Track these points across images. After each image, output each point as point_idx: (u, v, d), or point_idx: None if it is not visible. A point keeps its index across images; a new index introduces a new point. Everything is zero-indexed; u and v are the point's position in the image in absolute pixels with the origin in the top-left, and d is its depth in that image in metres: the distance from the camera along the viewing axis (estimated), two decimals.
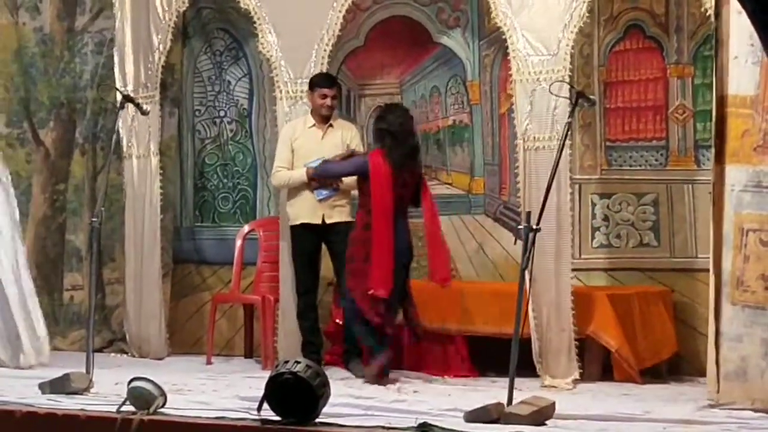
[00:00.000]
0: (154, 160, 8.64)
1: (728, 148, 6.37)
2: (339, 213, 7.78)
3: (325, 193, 7.75)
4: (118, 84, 8.63)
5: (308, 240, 7.81)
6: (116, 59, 8.75)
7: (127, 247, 8.71)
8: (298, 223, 7.82)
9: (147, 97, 8.59)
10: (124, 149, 8.69)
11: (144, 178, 8.64)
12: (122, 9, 8.72)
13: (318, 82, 7.84)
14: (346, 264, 7.37)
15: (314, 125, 7.87)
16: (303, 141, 7.85)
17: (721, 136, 6.43)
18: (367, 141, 8.42)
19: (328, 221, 7.76)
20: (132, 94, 8.43)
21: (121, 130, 8.61)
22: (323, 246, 7.89)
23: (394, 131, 7.31)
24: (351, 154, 7.62)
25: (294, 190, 7.84)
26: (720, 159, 6.43)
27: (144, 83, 8.65)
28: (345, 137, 7.83)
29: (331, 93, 7.80)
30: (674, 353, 7.67)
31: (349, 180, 7.69)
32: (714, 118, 6.50)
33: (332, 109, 7.87)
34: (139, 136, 8.65)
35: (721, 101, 6.43)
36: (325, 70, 8.07)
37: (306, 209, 7.79)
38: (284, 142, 7.92)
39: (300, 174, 7.76)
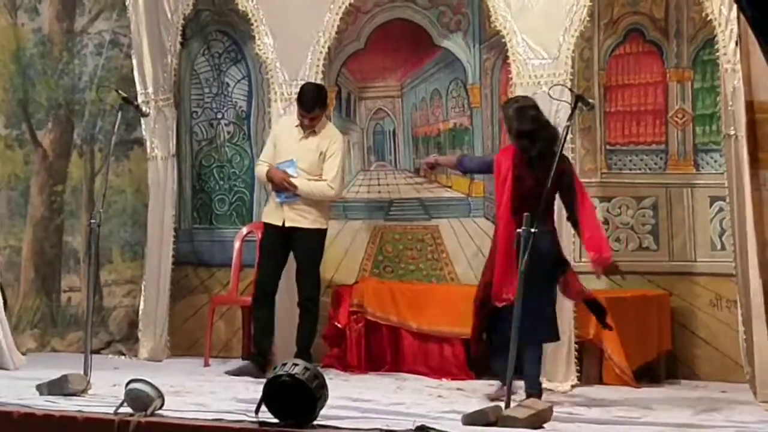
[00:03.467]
0: (172, 161, 8.68)
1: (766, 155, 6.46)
2: (302, 219, 7.73)
3: (283, 196, 7.73)
4: (138, 87, 8.67)
5: (273, 239, 7.79)
6: (134, 62, 8.76)
7: (149, 248, 8.72)
8: (264, 221, 7.90)
9: (164, 99, 8.67)
10: (148, 151, 8.73)
11: (165, 179, 8.68)
12: (136, 12, 8.72)
13: (300, 101, 7.73)
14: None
15: (299, 125, 7.83)
16: (283, 139, 7.86)
17: (752, 142, 6.48)
18: (366, 143, 8.46)
19: (288, 224, 7.73)
20: (152, 97, 8.51)
21: (144, 132, 8.71)
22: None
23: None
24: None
25: (270, 188, 7.90)
26: (754, 165, 6.48)
27: (161, 85, 8.68)
28: (322, 145, 7.77)
29: (308, 116, 7.71)
30: (666, 353, 7.68)
31: (307, 189, 7.67)
32: (745, 125, 6.55)
33: (310, 128, 7.77)
34: (162, 138, 8.67)
35: (750, 107, 6.48)
36: (321, 72, 8.06)
37: (271, 210, 7.83)
38: (271, 138, 7.99)
39: (262, 172, 7.83)
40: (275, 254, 7.81)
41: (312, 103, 7.70)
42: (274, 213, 7.80)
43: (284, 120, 8.07)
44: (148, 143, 8.73)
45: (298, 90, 7.85)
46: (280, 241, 7.78)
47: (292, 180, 7.68)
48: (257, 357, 7.74)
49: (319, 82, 8.06)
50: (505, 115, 6.73)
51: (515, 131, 6.51)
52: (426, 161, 7.36)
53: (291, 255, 7.87)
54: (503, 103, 7.22)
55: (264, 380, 5.40)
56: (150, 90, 8.66)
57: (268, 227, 7.87)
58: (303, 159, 7.74)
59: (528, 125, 6.46)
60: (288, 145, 7.80)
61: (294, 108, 7.94)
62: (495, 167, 6.61)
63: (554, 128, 6.57)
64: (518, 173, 6.46)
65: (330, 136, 7.84)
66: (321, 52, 8.09)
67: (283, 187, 7.69)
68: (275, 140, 7.91)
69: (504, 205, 6.47)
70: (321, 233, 7.81)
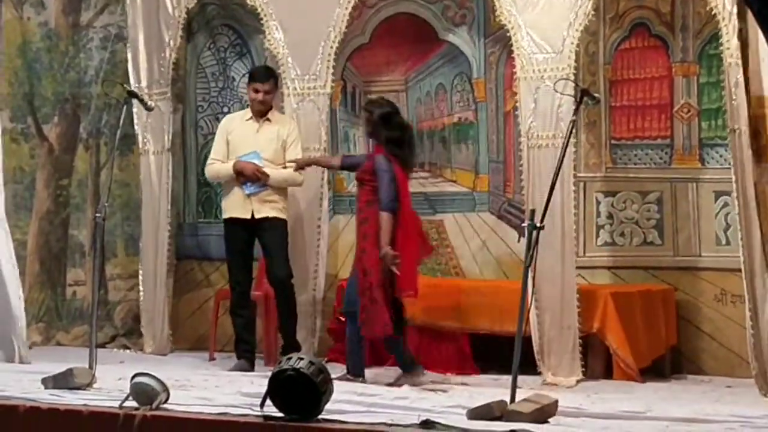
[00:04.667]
0: (167, 156, 8.66)
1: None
2: (270, 208, 7.71)
3: (252, 187, 7.69)
4: (131, 80, 8.65)
5: (239, 235, 7.73)
6: (129, 55, 8.76)
7: (144, 242, 8.72)
8: (228, 216, 7.79)
9: (160, 93, 8.63)
10: (139, 145, 8.71)
11: (159, 174, 8.66)
12: (133, 5, 8.72)
13: (253, 75, 7.82)
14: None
15: (251, 118, 7.82)
16: (238, 133, 7.83)
17: (756, 136, 6.49)
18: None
19: (257, 216, 7.69)
20: (146, 91, 8.48)
21: (136, 126, 8.67)
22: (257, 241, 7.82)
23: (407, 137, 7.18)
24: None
25: (227, 185, 7.81)
26: (758, 159, 6.49)
27: (157, 79, 8.66)
28: (281, 132, 7.77)
29: (263, 88, 7.72)
30: (671, 348, 7.69)
31: (280, 178, 7.66)
32: (747, 119, 6.56)
33: (264, 104, 7.77)
34: (155, 132, 8.66)
35: (755, 102, 6.50)
36: (331, 67, 8.07)
37: (236, 203, 7.73)
38: (221, 135, 7.91)
39: (227, 168, 7.74)
40: (244, 252, 7.79)
41: (265, 75, 7.75)
42: (241, 206, 7.71)
43: (231, 116, 8.11)
44: (139, 137, 8.69)
45: (312, 84, 7.97)
46: (246, 237, 7.74)
47: (264, 169, 7.65)
48: (248, 354, 7.73)
49: (330, 76, 8.04)
50: (367, 119, 7.18)
51: (384, 138, 7.04)
52: (300, 161, 7.63)
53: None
54: (364, 104, 7.43)
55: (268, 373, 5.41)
56: (144, 84, 8.63)
57: (232, 223, 7.75)
58: (266, 149, 7.72)
59: (397, 132, 7.08)
60: (245, 139, 7.77)
61: (306, 105, 7.95)
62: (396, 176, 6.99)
63: (410, 125, 7.45)
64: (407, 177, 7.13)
65: (287, 123, 7.85)
66: (331, 47, 8.08)
67: (255, 178, 7.64)
68: (226, 136, 7.85)
69: (407, 204, 7.00)
70: (286, 224, 7.78)
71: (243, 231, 7.72)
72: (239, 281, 7.79)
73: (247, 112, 7.88)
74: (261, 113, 7.79)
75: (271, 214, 7.69)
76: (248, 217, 7.69)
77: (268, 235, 7.69)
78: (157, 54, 8.66)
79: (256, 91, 7.73)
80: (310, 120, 8.08)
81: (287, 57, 8.16)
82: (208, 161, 7.97)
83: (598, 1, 7.40)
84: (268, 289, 8.18)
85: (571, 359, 7.15)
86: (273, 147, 7.72)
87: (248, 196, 7.68)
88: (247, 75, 9.12)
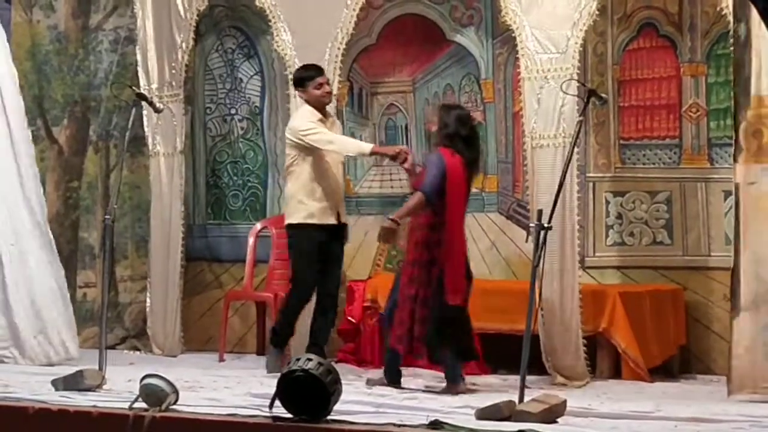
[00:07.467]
0: (180, 158, 8.66)
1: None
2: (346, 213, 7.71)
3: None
4: (141, 82, 8.67)
5: (318, 241, 7.49)
6: (138, 57, 8.78)
7: (153, 244, 8.74)
8: (316, 222, 7.48)
9: (172, 95, 8.64)
10: (150, 147, 8.72)
11: (170, 176, 8.67)
12: (143, 7, 8.74)
13: (310, 75, 7.55)
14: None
15: (321, 119, 7.56)
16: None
17: (758, 136, 6.49)
18: (378, 138, 8.51)
19: (342, 220, 7.64)
20: (157, 93, 8.50)
21: (146, 129, 8.68)
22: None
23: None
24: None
25: (314, 191, 7.49)
26: (757, 158, 6.51)
27: (169, 81, 8.67)
28: (339, 130, 7.74)
29: (325, 79, 7.59)
30: (680, 347, 7.70)
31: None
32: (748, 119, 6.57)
33: (330, 98, 7.67)
34: (166, 134, 8.67)
35: (755, 102, 6.51)
36: (338, 69, 8.06)
37: (323, 209, 7.50)
38: (313, 121, 7.51)
39: (357, 143, 7.56)
40: (317, 258, 7.54)
41: (319, 66, 7.66)
42: (329, 212, 7.50)
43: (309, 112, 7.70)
44: (149, 140, 8.71)
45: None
46: (319, 243, 7.49)
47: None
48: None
49: (337, 78, 8.02)
50: (440, 118, 6.93)
51: (452, 133, 6.83)
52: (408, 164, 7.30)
53: None
54: (442, 106, 7.25)
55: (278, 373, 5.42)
56: (154, 86, 8.64)
57: (313, 229, 7.46)
58: None
59: (466, 131, 6.88)
60: None
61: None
62: (449, 172, 6.75)
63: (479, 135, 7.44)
64: (467, 179, 6.88)
65: (336, 121, 7.76)
66: (339, 48, 8.08)
67: (403, 156, 7.28)
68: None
69: (460, 212, 6.81)
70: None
71: (319, 238, 7.48)
72: (312, 287, 7.56)
73: (314, 114, 7.53)
74: (325, 109, 7.61)
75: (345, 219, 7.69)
76: (335, 222, 7.56)
77: (341, 243, 7.61)
78: (168, 56, 8.67)
79: (320, 85, 7.53)
80: None
81: (295, 59, 8.16)
82: (313, 129, 7.43)
83: (604, 0, 7.39)
84: (277, 291, 8.21)
85: (575, 359, 7.15)
86: None
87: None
88: (253, 77, 9.14)
